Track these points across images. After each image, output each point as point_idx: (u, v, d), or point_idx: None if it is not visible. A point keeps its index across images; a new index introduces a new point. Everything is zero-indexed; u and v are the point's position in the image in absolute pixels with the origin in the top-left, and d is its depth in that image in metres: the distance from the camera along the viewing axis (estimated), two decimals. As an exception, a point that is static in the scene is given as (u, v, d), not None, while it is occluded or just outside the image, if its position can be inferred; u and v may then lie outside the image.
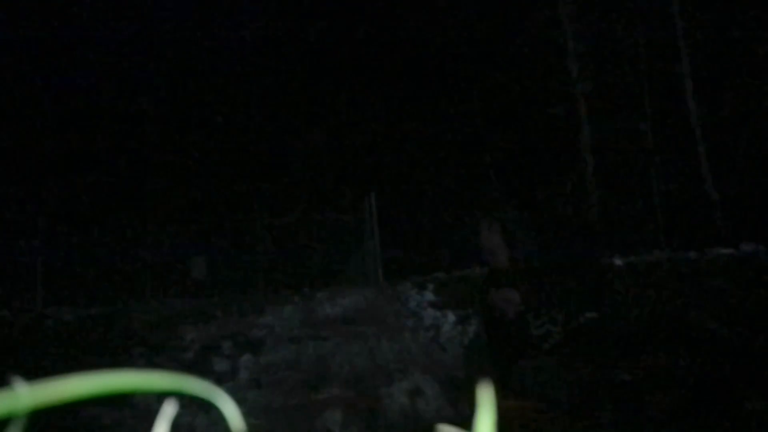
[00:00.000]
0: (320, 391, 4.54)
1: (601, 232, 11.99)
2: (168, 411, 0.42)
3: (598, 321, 2.16)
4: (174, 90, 16.17)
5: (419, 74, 14.67)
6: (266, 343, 6.02)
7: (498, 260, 2.28)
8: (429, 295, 7.58)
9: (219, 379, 5.02)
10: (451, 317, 6.46)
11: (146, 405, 4.02)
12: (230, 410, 0.41)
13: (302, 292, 8.83)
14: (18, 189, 13.78)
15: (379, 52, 15.01)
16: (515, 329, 2.29)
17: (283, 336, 6.22)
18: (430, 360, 5.15)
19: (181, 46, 16.37)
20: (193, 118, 15.83)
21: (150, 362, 5.68)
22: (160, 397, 0.42)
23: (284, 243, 12.20)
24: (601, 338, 2.14)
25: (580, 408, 2.12)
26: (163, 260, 12.08)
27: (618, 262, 8.30)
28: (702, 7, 12.80)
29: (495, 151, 13.60)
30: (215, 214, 13.37)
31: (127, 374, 0.37)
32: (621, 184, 12.96)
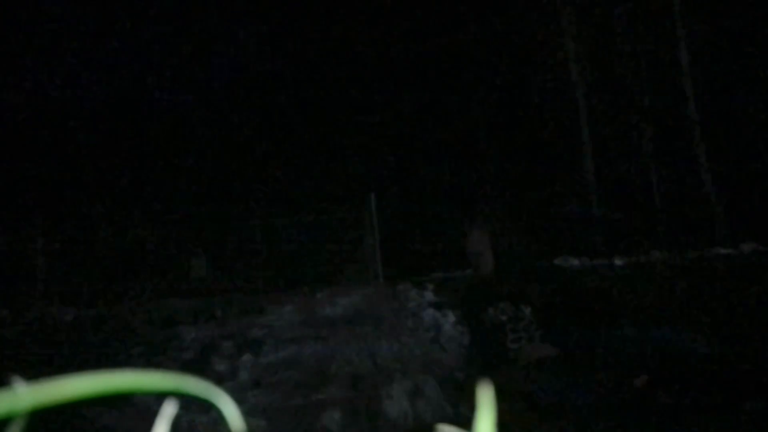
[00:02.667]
0: (320, 391, 4.54)
1: (602, 233, 11.99)
2: (168, 411, 0.42)
3: (589, 335, 2.13)
4: (174, 90, 16.17)
5: (419, 74, 14.67)
6: (266, 343, 6.00)
7: (484, 265, 2.23)
8: (429, 295, 7.57)
9: (219, 379, 5.01)
10: (451, 317, 6.44)
11: (146, 405, 4.02)
12: (230, 410, 0.41)
13: (302, 292, 8.81)
14: (18, 188, 13.78)
15: (378, 51, 15.01)
16: (493, 342, 2.25)
17: (283, 336, 6.20)
18: (430, 360, 5.14)
19: (182, 48, 16.38)
20: (193, 119, 15.84)
21: (150, 362, 5.67)
22: (160, 397, 0.42)
23: (284, 243, 12.19)
24: (592, 353, 2.11)
25: (573, 412, 2.11)
26: (163, 260, 12.07)
27: (618, 262, 8.31)
28: (702, 7, 12.80)
29: (494, 151, 13.59)
30: (215, 214, 13.36)
31: (127, 374, 0.37)
32: (621, 184, 12.96)
